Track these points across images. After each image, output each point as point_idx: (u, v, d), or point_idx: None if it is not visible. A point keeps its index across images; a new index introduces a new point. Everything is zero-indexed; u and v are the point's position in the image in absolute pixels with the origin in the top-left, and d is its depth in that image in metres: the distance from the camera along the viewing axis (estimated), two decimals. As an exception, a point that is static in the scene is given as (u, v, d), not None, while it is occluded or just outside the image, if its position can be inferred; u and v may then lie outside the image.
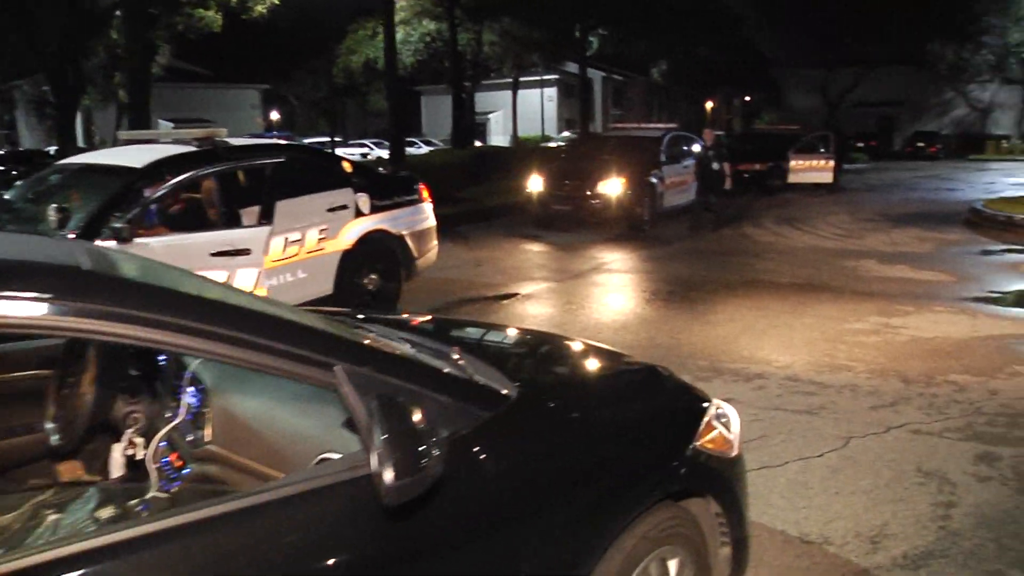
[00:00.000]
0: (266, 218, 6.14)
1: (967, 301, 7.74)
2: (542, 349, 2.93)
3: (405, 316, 3.73)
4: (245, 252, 5.46)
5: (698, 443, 2.31)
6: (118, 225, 5.39)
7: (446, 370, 2.03)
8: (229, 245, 5.47)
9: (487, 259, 10.61)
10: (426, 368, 1.98)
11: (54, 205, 5.88)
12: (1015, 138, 44.80)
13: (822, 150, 19.38)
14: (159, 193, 6.01)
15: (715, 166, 13.03)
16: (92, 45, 23.90)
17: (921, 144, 39.58)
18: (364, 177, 7.39)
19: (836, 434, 4.47)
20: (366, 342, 1.97)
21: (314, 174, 7.07)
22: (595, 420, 2.17)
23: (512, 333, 3.32)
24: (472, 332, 3.21)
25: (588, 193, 13.05)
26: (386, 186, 7.66)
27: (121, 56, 25.81)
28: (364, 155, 39.40)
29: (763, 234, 12.64)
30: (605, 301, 8.12)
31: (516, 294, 8.39)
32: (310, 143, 38.65)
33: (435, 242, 8.07)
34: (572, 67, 34.45)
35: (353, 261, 7.06)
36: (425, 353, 2.20)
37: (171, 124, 44.46)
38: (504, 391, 2.04)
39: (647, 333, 6.73)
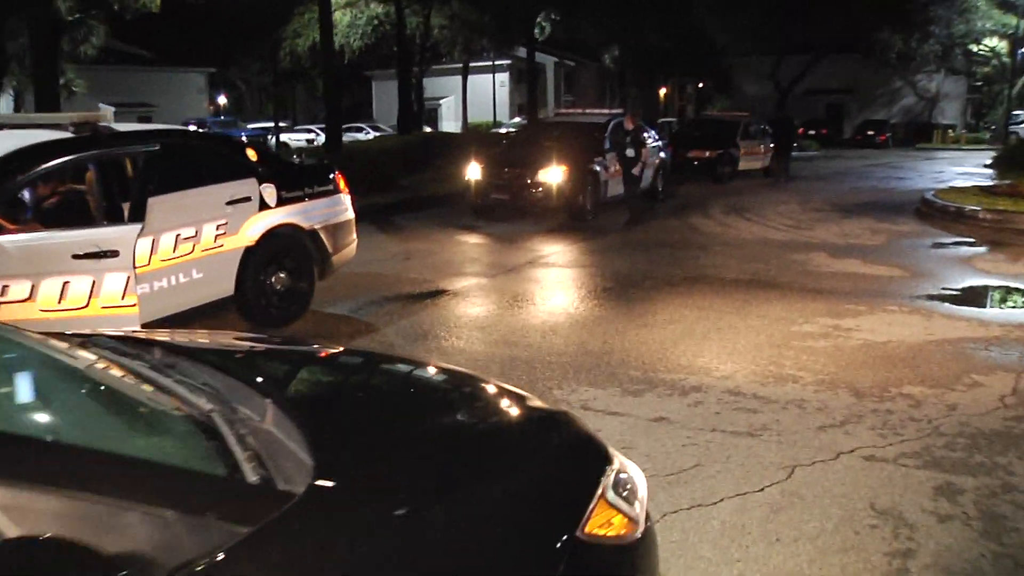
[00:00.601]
0: (137, 214, 5.42)
1: (921, 299, 7.30)
2: (390, 393, 2.29)
3: (202, 343, 2.88)
4: (112, 254, 4.73)
5: (584, 532, 1.70)
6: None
7: (175, 461, 1.37)
8: (94, 246, 4.74)
9: (418, 252, 9.96)
10: (136, 466, 1.33)
11: None
12: (960, 128, 45.21)
13: (762, 137, 19.39)
14: (18, 185, 5.29)
15: (629, 152, 12.42)
16: (11, 21, 22.59)
17: (871, 132, 39.69)
18: (271, 166, 6.68)
19: (779, 462, 3.93)
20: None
21: (212, 163, 6.34)
22: (430, 520, 1.53)
23: (354, 363, 2.65)
24: (291, 368, 2.53)
25: (528, 181, 12.44)
26: (297, 176, 6.96)
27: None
28: (310, 141, 38.37)
29: (710, 225, 12.17)
30: (537, 300, 7.53)
31: (444, 291, 7.77)
32: (254, 128, 37.75)
33: (354, 236, 7.40)
34: (524, 52, 33.79)
35: (257, 259, 6.36)
36: (166, 423, 1.54)
37: (112, 108, 43.01)
38: (284, 485, 1.40)
39: (578, 337, 6.15)
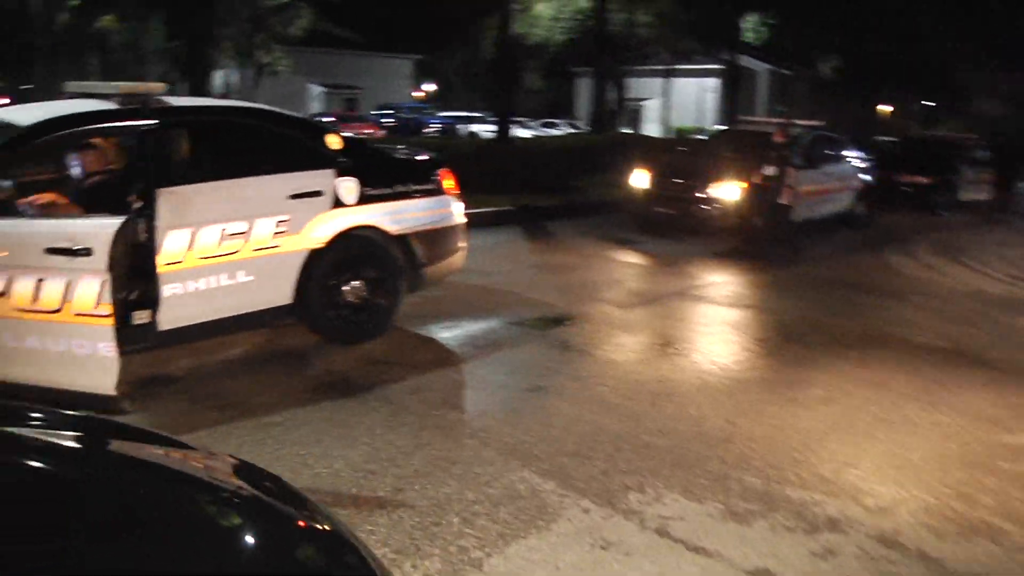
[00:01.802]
0: (147, 204, 4.57)
1: None
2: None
3: None
4: (85, 252, 3.83)
5: None
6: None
7: None
8: (68, 241, 3.87)
9: (556, 266, 8.72)
10: None
11: None
12: None
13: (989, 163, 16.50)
14: (44, 156, 4.63)
15: (769, 171, 10.36)
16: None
17: None
18: (358, 158, 5.70)
19: None
20: None
21: (278, 148, 5.46)
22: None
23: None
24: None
25: (698, 196, 10.85)
26: (388, 171, 5.94)
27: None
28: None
29: (911, 266, 10.08)
30: (666, 345, 6.09)
31: (561, 320, 6.50)
32: (445, 116, 37.57)
33: (460, 245, 6.30)
34: (741, 59, 31.60)
35: (326, 265, 5.43)
36: None
37: (323, 89, 44.88)
38: None
39: (696, 409, 4.71)
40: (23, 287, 3.87)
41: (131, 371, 4.58)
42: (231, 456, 1.92)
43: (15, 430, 1.75)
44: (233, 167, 5.12)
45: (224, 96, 30.98)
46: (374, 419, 4.36)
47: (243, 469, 1.83)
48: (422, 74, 48.64)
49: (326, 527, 1.67)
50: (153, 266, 4.69)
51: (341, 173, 5.47)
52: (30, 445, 1.69)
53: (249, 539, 1.54)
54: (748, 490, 3.70)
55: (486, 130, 37.67)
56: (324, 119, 32.86)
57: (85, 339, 3.81)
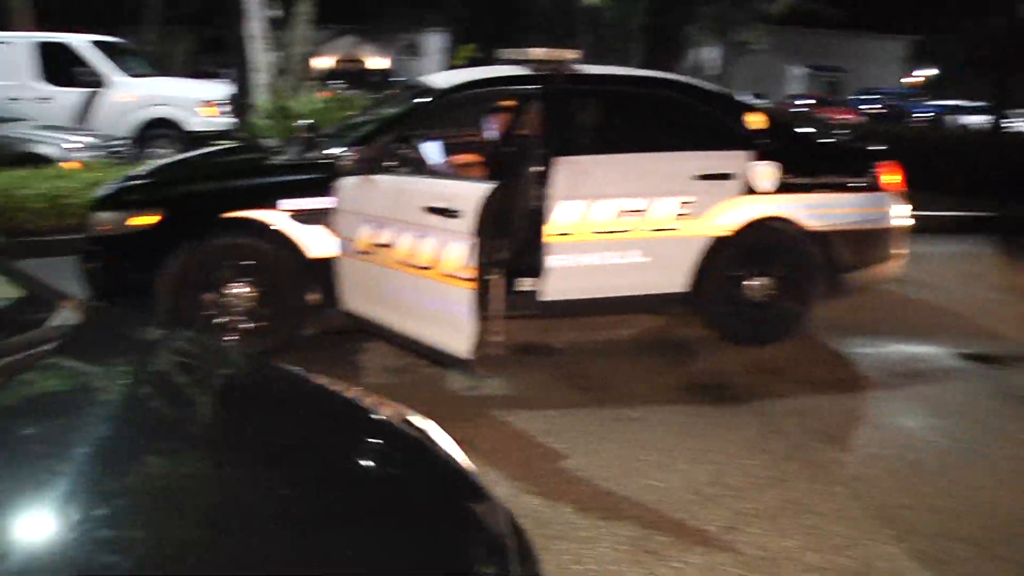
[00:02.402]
0: (544, 172, 4.48)
1: None
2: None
3: None
4: (455, 214, 3.84)
5: None
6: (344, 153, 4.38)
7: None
8: (443, 201, 3.92)
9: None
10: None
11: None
12: None
13: None
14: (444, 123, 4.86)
15: None
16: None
17: None
18: (780, 140, 5.11)
19: None
20: None
21: (689, 124, 5.09)
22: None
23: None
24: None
25: None
26: (814, 158, 5.25)
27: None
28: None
29: None
30: None
31: (997, 359, 5.20)
32: (934, 105, 33.47)
33: (897, 250, 5.38)
34: None
35: (729, 256, 4.98)
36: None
37: (804, 71, 43.03)
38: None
39: None
40: (404, 241, 4.06)
41: (510, 336, 4.66)
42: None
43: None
44: (638, 140, 4.89)
45: (694, 74, 31.23)
46: (736, 436, 3.84)
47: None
48: (918, 58, 44.14)
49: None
50: (540, 235, 4.66)
51: (757, 156, 4.94)
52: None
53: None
54: None
55: (982, 122, 32.98)
56: (801, 102, 31.44)
57: (448, 299, 3.87)
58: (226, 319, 4.64)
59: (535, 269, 4.73)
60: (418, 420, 1.99)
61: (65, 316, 2.00)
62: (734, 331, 5.17)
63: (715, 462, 3.56)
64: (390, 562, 1.38)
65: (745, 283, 5.06)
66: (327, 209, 4.49)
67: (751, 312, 5.10)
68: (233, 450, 1.60)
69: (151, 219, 4.55)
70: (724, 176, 4.87)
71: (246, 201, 4.57)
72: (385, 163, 4.33)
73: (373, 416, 1.89)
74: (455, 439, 2.23)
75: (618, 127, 5.10)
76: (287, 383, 1.99)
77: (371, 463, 1.70)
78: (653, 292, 4.94)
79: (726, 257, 4.96)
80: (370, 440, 1.78)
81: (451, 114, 5.20)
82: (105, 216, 4.73)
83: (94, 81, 12.16)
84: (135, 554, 1.23)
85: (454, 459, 1.84)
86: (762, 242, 5.04)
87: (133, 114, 12.10)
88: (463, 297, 3.78)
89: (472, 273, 3.76)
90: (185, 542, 1.29)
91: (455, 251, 3.79)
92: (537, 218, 4.67)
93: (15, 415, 1.57)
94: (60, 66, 12.12)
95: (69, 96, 12.10)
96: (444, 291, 3.87)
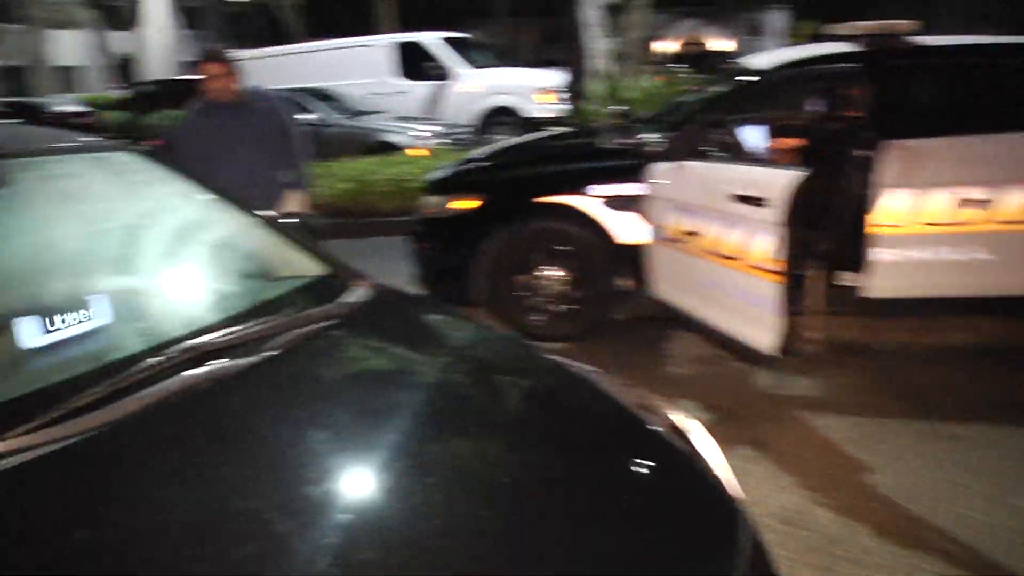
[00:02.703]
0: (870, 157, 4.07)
1: None
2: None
3: None
4: (763, 203, 3.61)
5: None
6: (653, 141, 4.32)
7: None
8: (754, 189, 3.70)
9: None
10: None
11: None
12: None
13: None
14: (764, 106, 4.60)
15: None
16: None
17: None
18: None
19: None
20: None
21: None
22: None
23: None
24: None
25: None
26: None
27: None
28: None
29: None
30: None
31: None
32: None
33: None
34: None
35: None
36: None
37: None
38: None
39: None
40: (712, 230, 3.94)
41: (830, 333, 4.37)
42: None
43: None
44: (987, 121, 4.28)
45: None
46: None
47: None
48: None
49: None
50: (863, 225, 4.28)
51: None
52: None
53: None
54: None
55: None
56: None
57: (754, 292, 3.68)
58: (538, 301, 4.84)
59: (857, 263, 4.36)
60: (682, 421, 1.93)
61: (356, 294, 2.20)
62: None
63: (1059, 499, 3.04)
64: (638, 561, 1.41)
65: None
66: (638, 195, 4.49)
67: None
68: (517, 444, 1.69)
69: (470, 203, 4.88)
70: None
71: (557, 187, 4.72)
72: (699, 148, 4.23)
73: (648, 427, 1.87)
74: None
75: (963, 105, 4.50)
76: (569, 384, 2.03)
77: (639, 473, 1.70)
78: (1003, 293, 4.32)
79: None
80: (641, 450, 1.76)
81: (771, 96, 4.93)
82: (432, 200, 5.15)
83: (443, 74, 13.28)
84: (431, 521, 1.37)
85: (713, 473, 1.76)
86: None
87: (476, 103, 13.04)
88: (770, 290, 3.59)
89: (780, 266, 3.55)
90: (474, 516, 1.39)
91: (763, 242, 3.60)
92: (861, 207, 4.29)
93: (293, 386, 1.77)
94: (414, 62, 13.41)
95: (421, 89, 13.35)
96: (751, 283, 3.71)
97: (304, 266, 2.35)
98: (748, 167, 3.98)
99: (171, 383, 1.65)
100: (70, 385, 1.58)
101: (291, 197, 4.25)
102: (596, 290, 4.77)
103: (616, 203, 4.56)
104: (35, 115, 24.27)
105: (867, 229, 4.27)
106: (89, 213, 2.23)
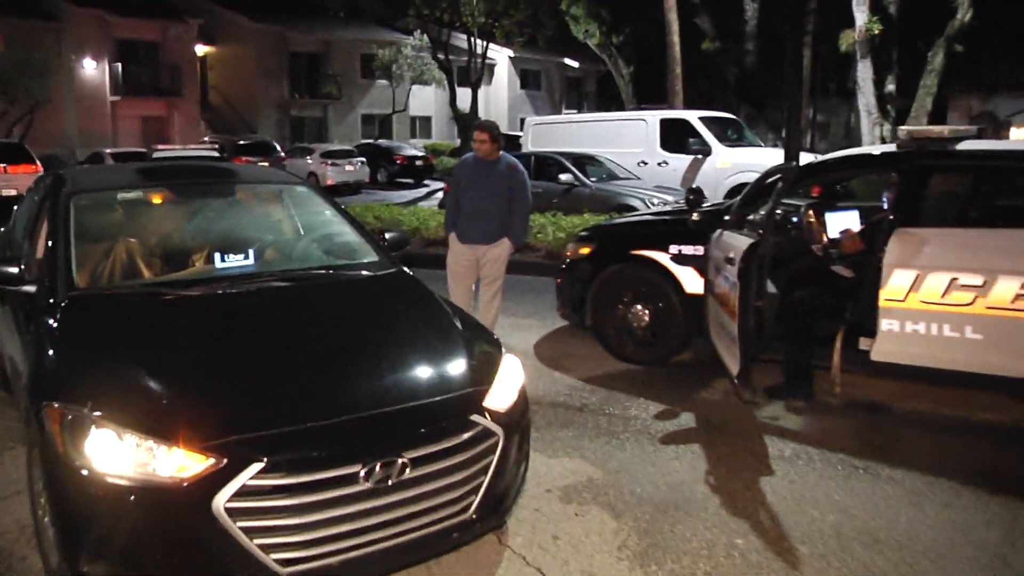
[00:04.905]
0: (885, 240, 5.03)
1: None
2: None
3: None
4: (730, 262, 4.79)
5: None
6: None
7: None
8: (730, 252, 4.90)
9: None
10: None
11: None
12: None
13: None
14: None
15: None
16: None
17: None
18: None
19: None
20: None
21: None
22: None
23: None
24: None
25: None
26: None
27: None
28: None
29: None
30: None
31: None
32: None
33: None
34: None
35: None
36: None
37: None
38: None
39: None
40: (720, 282, 5.16)
41: (849, 384, 5.32)
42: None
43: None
44: (985, 216, 5.04)
45: None
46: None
47: None
48: None
49: None
50: (876, 298, 5.17)
51: None
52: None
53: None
54: None
55: None
56: None
57: (729, 331, 4.85)
58: (631, 328, 6.28)
59: (871, 331, 5.24)
60: (507, 352, 3.48)
61: (375, 272, 4.02)
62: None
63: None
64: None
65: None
66: (698, 255, 5.80)
67: None
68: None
69: (586, 250, 6.48)
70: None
71: (646, 243, 6.16)
72: (734, 221, 5.45)
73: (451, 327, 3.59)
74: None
75: (965, 202, 5.25)
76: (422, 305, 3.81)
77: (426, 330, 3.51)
78: (995, 373, 4.90)
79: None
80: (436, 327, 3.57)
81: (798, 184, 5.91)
82: (570, 246, 6.81)
83: (701, 149, 14.65)
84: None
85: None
86: None
87: (726, 177, 14.22)
88: (734, 330, 4.75)
89: (737, 307, 4.69)
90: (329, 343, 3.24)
91: (733, 291, 4.79)
92: (875, 282, 5.17)
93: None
94: (677, 137, 14.93)
95: (682, 161, 14.82)
96: (728, 324, 4.90)
97: (366, 253, 4.22)
98: (738, 236, 5.12)
99: (255, 288, 3.62)
100: (224, 281, 3.62)
101: (502, 240, 6.19)
102: (668, 328, 6.10)
103: (682, 259, 5.91)
104: (388, 156, 29.34)
105: (877, 301, 5.16)
106: (263, 209, 4.34)
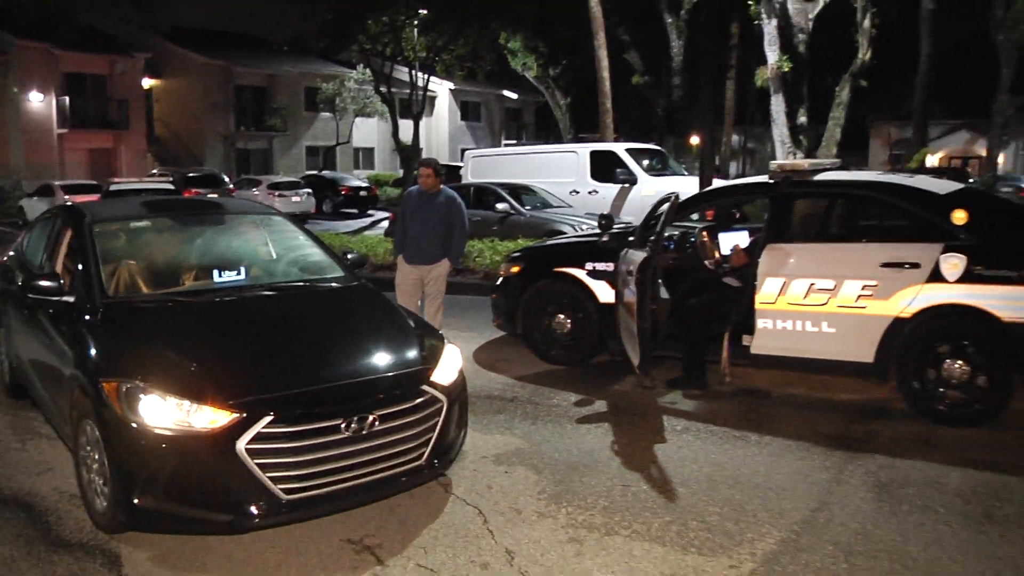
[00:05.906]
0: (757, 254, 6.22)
1: None
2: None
3: None
4: (631, 273, 5.97)
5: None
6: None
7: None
8: (631, 264, 6.05)
9: None
10: None
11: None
12: None
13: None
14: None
15: None
16: None
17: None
18: (987, 234, 5.79)
19: None
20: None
21: (888, 219, 6.28)
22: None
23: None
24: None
25: None
26: (1013, 251, 5.76)
27: None
28: None
29: None
30: None
31: None
32: None
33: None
34: None
35: (910, 336, 5.80)
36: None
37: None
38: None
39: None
40: (626, 291, 6.28)
41: (738, 375, 6.48)
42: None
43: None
44: (835, 233, 6.27)
45: None
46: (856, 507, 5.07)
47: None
48: None
49: None
50: (752, 302, 6.34)
51: (951, 248, 5.64)
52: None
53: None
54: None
55: None
56: None
57: (630, 328, 5.98)
58: (555, 334, 7.35)
59: (751, 328, 6.41)
60: (448, 342, 4.53)
61: (340, 285, 5.04)
62: (920, 406, 5.83)
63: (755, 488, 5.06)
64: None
65: (931, 363, 5.73)
66: (609, 271, 6.92)
67: (938, 391, 5.73)
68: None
69: (516, 269, 7.57)
70: (910, 265, 5.67)
71: (567, 262, 7.27)
72: (637, 241, 6.58)
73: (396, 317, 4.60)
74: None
75: (823, 221, 6.51)
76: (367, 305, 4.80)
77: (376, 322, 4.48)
78: (841, 359, 6.02)
79: (907, 337, 5.75)
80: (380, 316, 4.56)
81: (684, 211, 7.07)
82: (503, 265, 7.90)
83: (629, 179, 15.91)
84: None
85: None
86: (943, 326, 5.72)
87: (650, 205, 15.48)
88: (633, 327, 5.88)
89: (636, 310, 5.82)
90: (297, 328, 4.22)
91: (635, 298, 5.91)
92: (751, 289, 6.34)
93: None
94: (606, 167, 16.18)
95: (610, 190, 16.06)
96: (632, 325, 6.01)
97: (334, 270, 5.24)
98: (637, 252, 6.25)
99: (250, 296, 4.62)
100: (224, 291, 4.61)
101: (443, 261, 7.26)
102: (585, 334, 7.20)
103: (596, 274, 7.02)
104: (333, 187, 30.26)
105: (753, 304, 6.33)
106: (248, 235, 5.34)
